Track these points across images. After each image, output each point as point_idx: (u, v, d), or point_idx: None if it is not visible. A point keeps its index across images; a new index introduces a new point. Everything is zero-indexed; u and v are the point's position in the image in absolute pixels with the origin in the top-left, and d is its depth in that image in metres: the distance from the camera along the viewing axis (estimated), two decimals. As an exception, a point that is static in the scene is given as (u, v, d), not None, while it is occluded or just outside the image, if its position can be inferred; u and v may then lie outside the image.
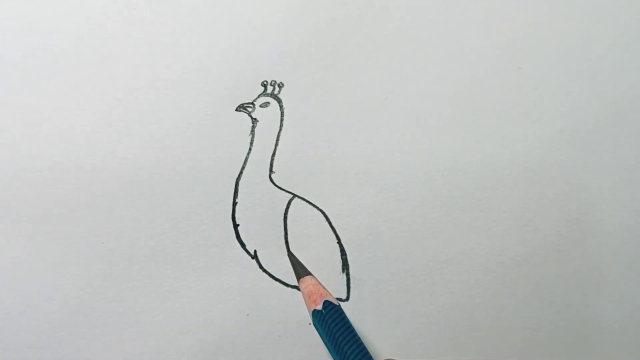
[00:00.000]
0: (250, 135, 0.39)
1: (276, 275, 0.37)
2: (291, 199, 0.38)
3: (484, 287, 0.36)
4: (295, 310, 0.36)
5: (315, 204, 0.38)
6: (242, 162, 0.38)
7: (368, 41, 0.41)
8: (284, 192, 0.38)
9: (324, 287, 0.32)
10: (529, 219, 0.37)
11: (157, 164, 0.38)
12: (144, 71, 0.40)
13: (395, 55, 0.41)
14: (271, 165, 0.39)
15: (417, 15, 0.42)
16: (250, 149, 0.39)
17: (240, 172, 0.38)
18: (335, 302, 0.31)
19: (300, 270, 0.34)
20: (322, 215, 0.38)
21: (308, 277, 0.33)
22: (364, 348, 0.30)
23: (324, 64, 0.41)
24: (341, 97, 0.40)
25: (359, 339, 0.30)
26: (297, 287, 0.36)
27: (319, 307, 0.31)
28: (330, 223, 0.37)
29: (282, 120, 0.39)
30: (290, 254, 0.36)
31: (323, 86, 0.40)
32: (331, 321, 0.30)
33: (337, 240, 0.37)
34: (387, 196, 0.38)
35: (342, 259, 0.37)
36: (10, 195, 0.37)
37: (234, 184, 0.38)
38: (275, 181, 0.38)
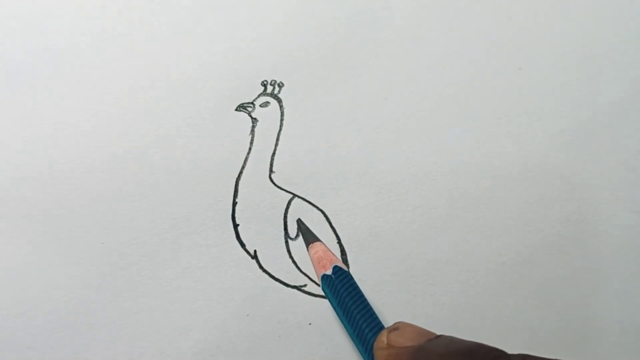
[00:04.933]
0: (250, 135, 0.39)
1: (276, 275, 0.37)
2: (291, 199, 0.38)
3: (484, 287, 0.36)
4: (295, 311, 0.36)
5: (315, 204, 0.38)
6: (242, 162, 0.38)
7: (368, 41, 0.41)
8: (284, 192, 0.38)
9: (333, 253, 0.33)
10: (529, 219, 0.37)
11: (157, 164, 0.38)
12: (144, 71, 0.40)
13: (395, 55, 0.41)
14: (271, 165, 0.39)
15: (417, 15, 0.42)
16: (250, 149, 0.39)
17: (240, 172, 0.38)
18: (345, 267, 0.31)
19: (309, 237, 0.35)
20: (322, 215, 0.38)
21: (317, 243, 0.34)
22: (373, 312, 0.30)
23: (324, 64, 0.41)
24: (341, 97, 0.40)
25: (367, 303, 0.30)
26: (297, 287, 0.36)
27: (329, 272, 0.31)
28: (330, 223, 0.37)
29: (282, 120, 0.39)
30: (300, 221, 0.37)
31: (323, 86, 0.40)
32: (340, 286, 0.30)
33: (337, 240, 0.37)
34: (387, 196, 0.38)
35: (342, 259, 0.37)
36: (10, 195, 0.37)
37: (234, 183, 0.38)
38: (275, 181, 0.38)
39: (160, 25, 0.41)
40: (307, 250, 0.34)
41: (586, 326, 0.36)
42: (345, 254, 0.37)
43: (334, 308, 0.31)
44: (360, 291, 0.31)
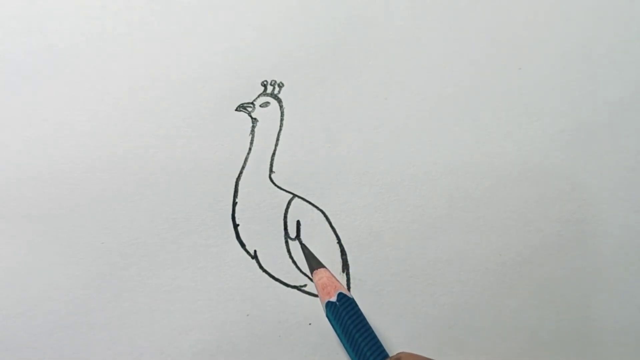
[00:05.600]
0: (250, 135, 0.39)
1: (276, 275, 0.37)
2: (291, 199, 0.38)
3: (484, 287, 0.36)
4: (295, 311, 0.36)
5: (315, 204, 0.38)
6: (242, 162, 0.39)
7: (368, 41, 0.41)
8: (284, 192, 0.38)
9: (337, 280, 0.33)
10: (529, 219, 0.37)
11: (157, 164, 0.38)
12: (144, 71, 0.40)
13: (395, 55, 0.41)
14: (271, 165, 0.39)
15: (417, 15, 0.42)
16: (250, 149, 0.39)
17: (240, 172, 0.38)
18: (349, 294, 0.31)
19: (313, 263, 0.34)
20: (322, 215, 0.38)
21: (322, 270, 0.33)
22: (377, 341, 0.30)
23: (324, 64, 0.41)
24: (341, 97, 0.40)
25: (372, 331, 0.30)
26: (297, 287, 0.36)
27: (333, 299, 0.31)
28: (330, 223, 0.37)
29: (282, 120, 0.39)
30: (304, 247, 0.37)
31: (323, 86, 0.40)
32: (345, 313, 0.31)
33: (337, 240, 0.37)
34: (387, 196, 0.38)
35: (342, 259, 0.37)
36: (10, 195, 0.37)
37: (234, 184, 0.38)
38: (275, 181, 0.38)
39: (160, 25, 0.41)
40: (311, 275, 0.34)
41: (586, 326, 0.36)
42: (345, 254, 0.37)
43: (338, 335, 0.31)
44: (364, 319, 0.31)
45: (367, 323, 0.31)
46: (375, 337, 0.30)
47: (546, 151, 0.39)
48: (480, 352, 0.35)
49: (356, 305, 0.31)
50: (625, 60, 0.40)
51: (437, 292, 0.36)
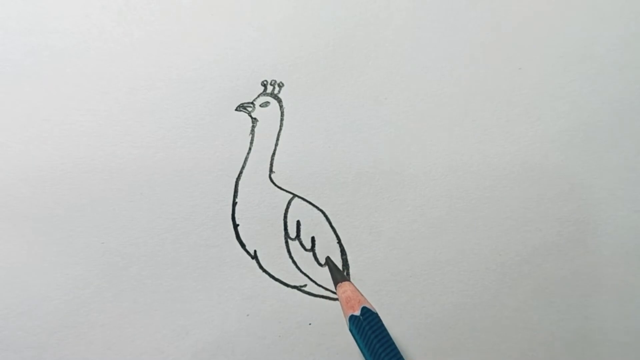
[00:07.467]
0: (250, 135, 0.39)
1: (276, 275, 0.37)
2: (291, 199, 0.38)
3: (484, 287, 0.36)
4: (295, 311, 0.36)
5: (315, 204, 0.38)
6: (242, 162, 0.39)
7: (368, 41, 0.41)
8: (284, 192, 0.38)
9: (361, 294, 0.32)
10: (529, 219, 0.37)
11: (157, 164, 0.38)
12: (144, 71, 0.40)
13: (395, 55, 0.41)
14: (271, 165, 0.39)
15: (417, 15, 0.42)
16: (250, 149, 0.39)
17: (240, 172, 0.38)
18: (373, 309, 0.31)
19: (337, 276, 0.34)
20: (322, 215, 0.38)
21: (346, 283, 0.33)
22: (401, 357, 0.30)
23: (324, 64, 0.41)
24: (341, 97, 0.40)
25: (395, 347, 0.30)
26: (297, 287, 0.36)
27: (357, 313, 0.31)
28: (330, 223, 0.37)
29: (282, 120, 0.39)
30: (328, 259, 0.36)
31: (323, 86, 0.40)
32: (368, 328, 0.30)
33: (337, 240, 0.37)
34: (387, 196, 0.38)
35: (342, 259, 0.37)
36: (10, 195, 0.37)
37: (234, 184, 0.38)
38: (275, 181, 0.38)
39: (160, 25, 0.41)
40: (335, 288, 0.34)
41: (586, 326, 0.36)
42: (345, 254, 0.37)
43: (360, 348, 0.31)
44: (388, 334, 0.31)
45: (390, 338, 0.30)
46: (398, 353, 0.30)
47: (546, 151, 0.39)
48: (480, 352, 0.35)
49: (380, 320, 0.31)
50: (625, 60, 0.40)
51: (437, 292, 0.36)
